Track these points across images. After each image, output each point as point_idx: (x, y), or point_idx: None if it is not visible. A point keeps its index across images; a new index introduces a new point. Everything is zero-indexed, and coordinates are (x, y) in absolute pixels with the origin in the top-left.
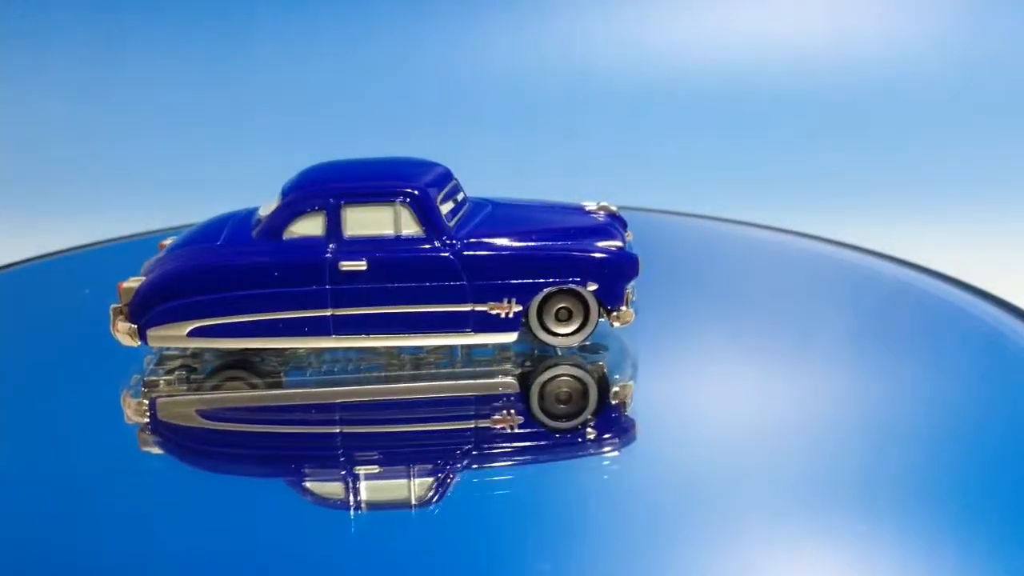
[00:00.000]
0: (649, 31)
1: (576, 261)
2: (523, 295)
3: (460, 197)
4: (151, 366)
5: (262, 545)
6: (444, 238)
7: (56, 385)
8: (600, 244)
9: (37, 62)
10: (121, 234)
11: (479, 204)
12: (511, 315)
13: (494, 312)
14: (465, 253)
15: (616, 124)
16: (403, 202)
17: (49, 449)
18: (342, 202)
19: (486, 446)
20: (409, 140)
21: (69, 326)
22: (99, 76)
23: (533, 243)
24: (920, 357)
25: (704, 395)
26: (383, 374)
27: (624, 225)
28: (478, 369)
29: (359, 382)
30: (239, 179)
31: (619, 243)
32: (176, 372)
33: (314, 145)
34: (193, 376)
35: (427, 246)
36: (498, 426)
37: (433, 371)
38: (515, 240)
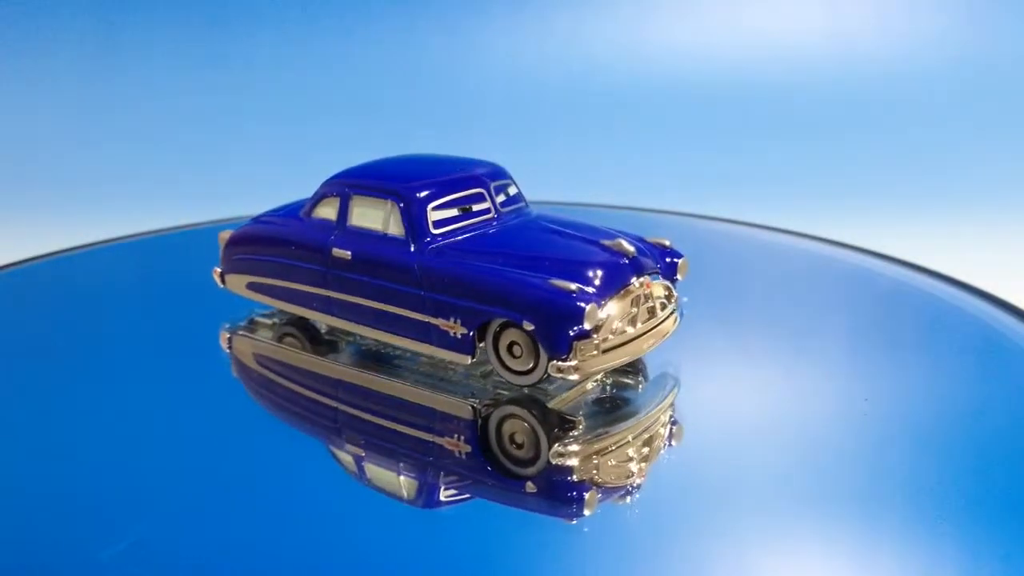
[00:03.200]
0: (649, 32)
1: (512, 295)
2: (467, 319)
3: (479, 207)
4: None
5: (237, 463)
6: (421, 244)
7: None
8: (552, 282)
9: (37, 64)
10: (124, 233)
11: (509, 217)
12: (459, 336)
13: (443, 329)
14: (426, 263)
15: (616, 124)
16: (394, 202)
17: (172, 362)
18: (352, 193)
19: (430, 461)
20: (409, 140)
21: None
22: (99, 78)
23: (486, 266)
24: (919, 357)
25: (703, 395)
26: (408, 366)
27: (637, 270)
28: (455, 387)
29: (379, 370)
30: (239, 180)
31: (573, 286)
32: (267, 319)
33: (315, 147)
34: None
35: (400, 249)
36: (448, 447)
37: (439, 376)
38: (477, 260)
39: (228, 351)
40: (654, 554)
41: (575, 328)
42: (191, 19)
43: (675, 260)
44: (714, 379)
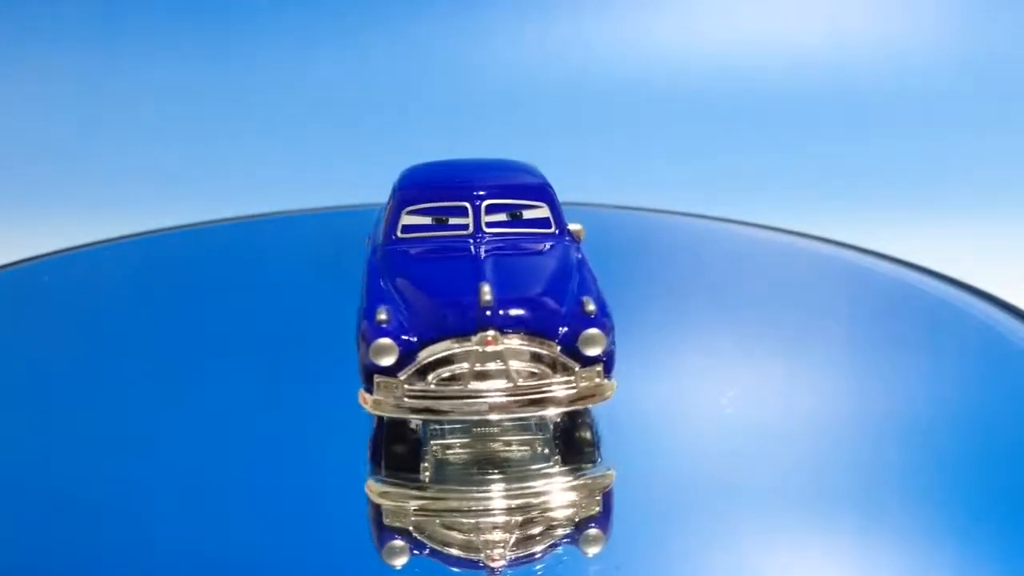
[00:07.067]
0: (650, 33)
1: (359, 312)
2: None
3: (456, 221)
4: None
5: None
6: (383, 244)
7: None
8: (376, 308)
9: (37, 64)
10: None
11: (494, 239)
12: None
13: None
14: (369, 262)
15: (616, 124)
16: (391, 199)
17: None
18: (394, 187)
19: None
20: (408, 140)
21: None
22: (99, 78)
23: (379, 279)
24: (919, 357)
25: (702, 396)
26: None
27: (481, 322)
28: None
29: None
30: (240, 180)
31: (383, 316)
32: None
33: (315, 147)
34: None
35: (373, 245)
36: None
37: None
38: (386, 272)
39: None
40: None
41: (367, 361)
42: (192, 19)
43: (576, 330)
44: (712, 379)
